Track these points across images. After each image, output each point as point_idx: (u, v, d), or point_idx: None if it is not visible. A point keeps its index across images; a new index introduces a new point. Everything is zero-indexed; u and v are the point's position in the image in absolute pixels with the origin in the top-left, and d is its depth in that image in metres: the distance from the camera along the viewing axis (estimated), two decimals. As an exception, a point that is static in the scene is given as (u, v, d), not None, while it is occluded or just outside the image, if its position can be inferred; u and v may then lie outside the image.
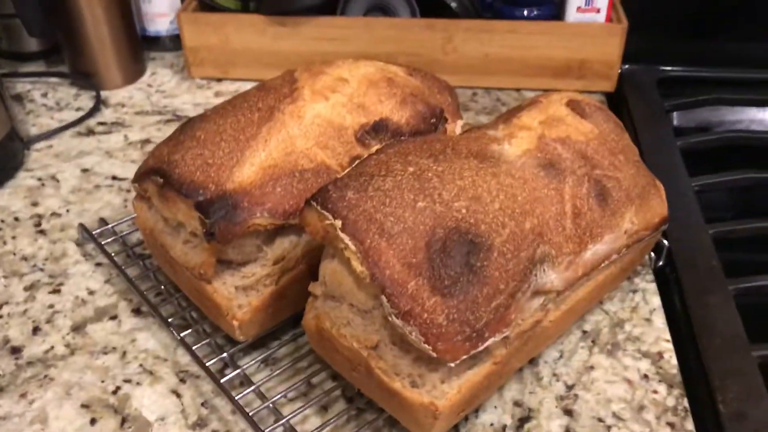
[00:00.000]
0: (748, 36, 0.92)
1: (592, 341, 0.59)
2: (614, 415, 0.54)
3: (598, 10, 0.84)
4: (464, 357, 0.45)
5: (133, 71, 0.92)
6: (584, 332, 0.60)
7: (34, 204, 0.73)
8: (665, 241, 0.64)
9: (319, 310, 0.51)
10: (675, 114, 0.84)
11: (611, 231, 0.53)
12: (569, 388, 0.56)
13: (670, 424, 0.53)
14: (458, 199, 0.48)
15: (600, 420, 0.53)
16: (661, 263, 0.64)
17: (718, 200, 0.73)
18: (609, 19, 0.85)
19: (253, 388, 0.54)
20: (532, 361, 0.57)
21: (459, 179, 0.49)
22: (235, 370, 0.55)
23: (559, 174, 0.52)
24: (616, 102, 0.86)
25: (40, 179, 0.77)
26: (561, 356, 0.58)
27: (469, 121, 0.77)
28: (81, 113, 0.86)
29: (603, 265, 0.54)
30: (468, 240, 0.46)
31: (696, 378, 0.56)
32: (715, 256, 0.63)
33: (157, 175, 0.54)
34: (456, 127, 0.62)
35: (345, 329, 0.49)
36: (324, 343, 0.52)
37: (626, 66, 0.88)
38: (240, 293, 0.54)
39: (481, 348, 0.45)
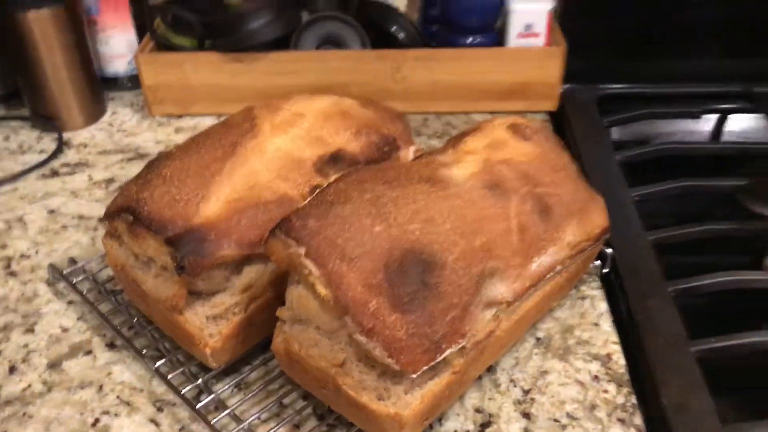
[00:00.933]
0: (680, 53, 0.98)
1: (545, 347, 0.63)
2: (569, 415, 0.58)
3: (538, 35, 0.89)
4: (425, 368, 0.49)
5: (94, 112, 0.95)
6: (537, 339, 0.64)
7: (3, 246, 0.75)
8: (609, 250, 0.69)
9: (287, 333, 0.54)
10: (614, 129, 0.89)
11: (555, 244, 0.57)
12: (526, 392, 0.59)
13: (621, 420, 0.57)
14: (412, 222, 0.51)
15: (556, 420, 0.57)
16: (606, 270, 0.69)
17: (657, 208, 0.77)
18: (549, 42, 0.90)
19: (228, 411, 0.56)
20: (490, 369, 0.61)
21: (412, 203, 0.53)
22: (209, 395, 0.58)
23: (505, 193, 0.56)
24: (559, 120, 0.91)
25: (7, 222, 0.78)
26: (517, 363, 0.62)
27: (421, 146, 0.81)
28: (44, 155, 0.88)
29: (549, 275, 0.58)
30: (422, 259, 0.50)
31: (642, 376, 0.60)
32: (655, 261, 0.68)
33: (127, 213, 0.57)
34: (408, 153, 0.66)
35: (312, 350, 0.52)
36: (293, 364, 0.55)
37: (567, 86, 0.93)
38: (211, 322, 0.56)
39: (439, 359, 0.49)
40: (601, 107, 0.91)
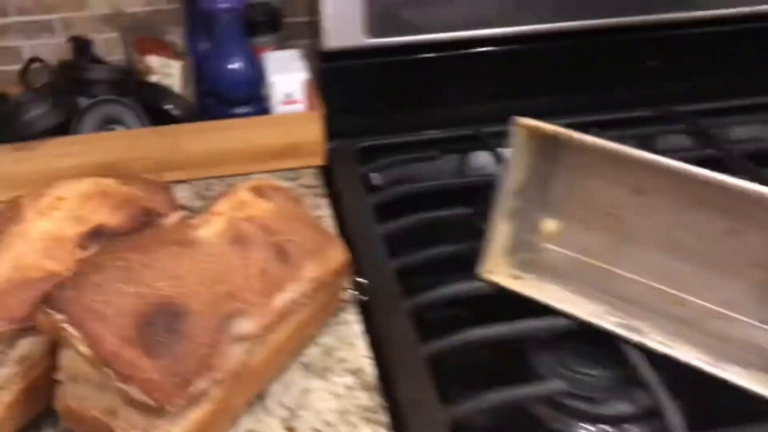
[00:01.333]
0: (426, 105, 1.14)
1: (309, 370, 0.74)
2: (327, 423, 0.69)
3: (298, 102, 1.03)
4: (180, 401, 0.58)
5: None
6: (302, 364, 0.75)
7: None
8: (361, 279, 0.81)
9: (64, 392, 0.61)
10: (371, 176, 1.03)
11: (295, 281, 0.68)
12: (291, 410, 0.70)
13: (370, 420, 0.69)
14: (160, 280, 0.61)
15: (316, 430, 0.68)
16: (359, 297, 0.81)
17: (404, 239, 0.91)
18: (309, 107, 1.03)
19: (19, 474, 0.62)
20: (261, 396, 0.71)
21: (161, 264, 0.62)
22: (-1, 463, 0.63)
23: (246, 245, 0.67)
24: (328, 173, 1.04)
25: None
26: (283, 387, 0.72)
27: (198, 206, 0.90)
28: None
29: (295, 308, 0.69)
30: (171, 311, 0.59)
31: (386, 380, 0.72)
32: (397, 283, 0.81)
33: None
34: (171, 220, 0.75)
35: (87, 402, 0.60)
36: (74, 419, 0.62)
37: (332, 141, 1.06)
38: (-9, 395, 0.62)
39: (192, 392, 0.58)
40: (361, 158, 1.05)
